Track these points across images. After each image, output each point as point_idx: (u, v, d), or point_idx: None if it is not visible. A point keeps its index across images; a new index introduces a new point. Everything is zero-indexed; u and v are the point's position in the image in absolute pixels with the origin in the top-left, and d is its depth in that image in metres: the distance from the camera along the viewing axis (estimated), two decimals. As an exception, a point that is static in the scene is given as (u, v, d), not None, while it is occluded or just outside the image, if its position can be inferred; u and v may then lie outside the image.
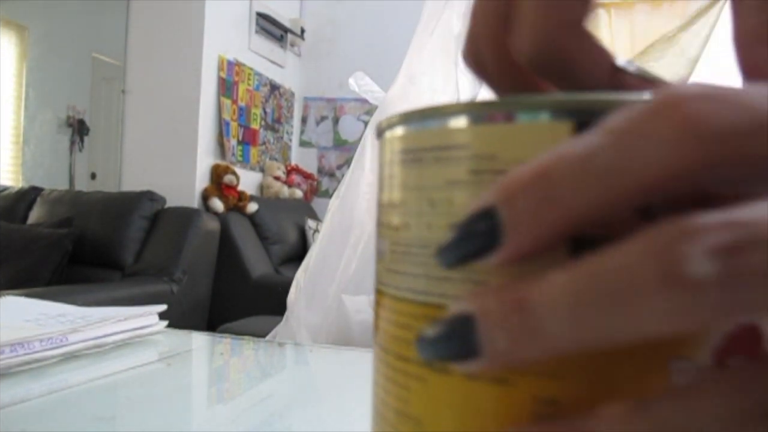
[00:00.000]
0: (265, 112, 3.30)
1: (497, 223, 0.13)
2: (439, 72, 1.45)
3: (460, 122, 0.15)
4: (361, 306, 1.20)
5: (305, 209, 3.24)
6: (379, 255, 0.17)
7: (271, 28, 3.25)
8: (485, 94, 0.23)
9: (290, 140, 3.60)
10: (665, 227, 0.11)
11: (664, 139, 0.11)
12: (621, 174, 0.12)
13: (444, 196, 0.15)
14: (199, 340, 0.66)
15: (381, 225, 0.17)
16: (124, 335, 0.56)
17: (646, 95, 0.13)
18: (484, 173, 0.14)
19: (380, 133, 0.18)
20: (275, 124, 3.42)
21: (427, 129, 0.16)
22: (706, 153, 0.11)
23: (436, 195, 0.15)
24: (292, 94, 3.58)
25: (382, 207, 0.17)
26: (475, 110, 0.15)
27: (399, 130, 0.17)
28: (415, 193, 0.16)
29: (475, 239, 0.13)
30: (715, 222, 0.11)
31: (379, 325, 0.17)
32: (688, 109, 0.11)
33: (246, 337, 0.67)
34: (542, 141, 0.14)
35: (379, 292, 0.17)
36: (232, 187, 2.80)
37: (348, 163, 2.16)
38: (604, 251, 0.12)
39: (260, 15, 3.12)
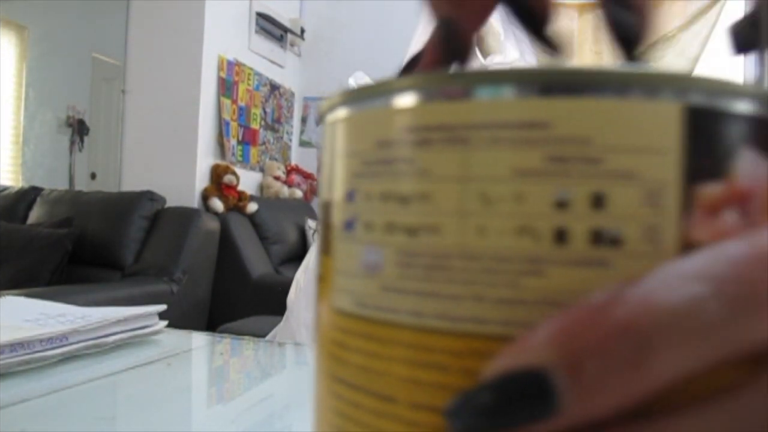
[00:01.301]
0: (265, 112, 3.30)
1: (550, 392, 0.10)
2: (439, 72, 1.45)
3: (538, 91, 0.11)
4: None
5: (305, 209, 3.24)
6: (368, 268, 0.13)
7: (271, 28, 3.25)
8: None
9: (290, 140, 3.60)
10: None
11: None
12: (735, 334, 0.10)
13: (507, 191, 0.11)
14: (199, 340, 0.66)
15: (367, 227, 0.13)
16: (124, 335, 0.55)
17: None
18: (571, 161, 0.11)
19: (351, 101, 0.14)
20: (275, 124, 3.42)
21: (478, 100, 0.11)
22: None
23: (493, 188, 0.11)
24: (292, 94, 3.58)
25: (368, 201, 0.13)
26: (556, 77, 0.11)
27: (410, 99, 0.12)
28: (451, 185, 0.11)
29: (513, 408, 0.10)
30: None
31: (365, 364, 0.13)
32: None
33: (246, 337, 0.67)
34: (647, 125, 0.11)
35: (363, 320, 0.13)
36: (232, 187, 2.80)
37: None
38: (705, 413, 0.10)
39: (260, 15, 3.12)
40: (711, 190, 0.11)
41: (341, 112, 0.14)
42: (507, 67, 0.12)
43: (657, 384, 0.10)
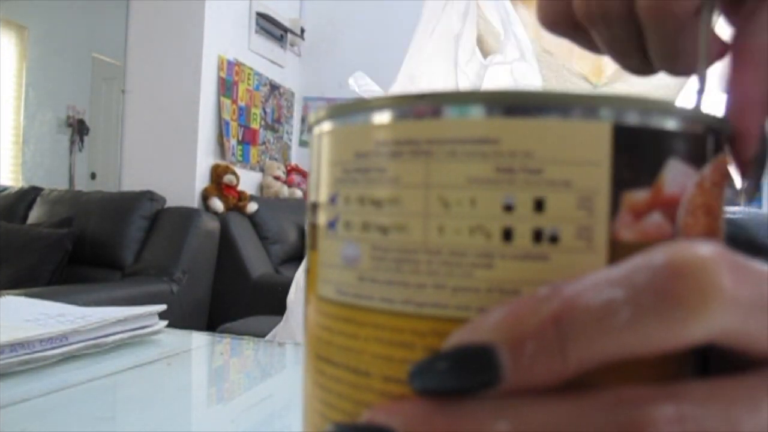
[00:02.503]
0: (265, 112, 3.30)
1: (495, 365, 0.12)
2: (439, 72, 1.45)
3: (488, 112, 0.13)
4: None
5: (305, 209, 3.23)
6: (347, 261, 0.14)
7: (271, 28, 3.25)
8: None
9: (290, 140, 3.60)
10: (627, 409, 0.11)
11: (689, 308, 0.11)
12: (641, 337, 0.11)
13: (463, 196, 0.13)
14: (199, 340, 0.66)
15: (347, 226, 0.15)
16: (124, 335, 0.56)
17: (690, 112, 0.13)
18: (516, 171, 0.13)
19: (335, 116, 0.15)
20: (275, 124, 3.42)
21: (440, 118, 0.13)
22: (728, 324, 0.11)
23: (451, 194, 0.13)
24: (292, 94, 3.58)
25: (347, 204, 0.15)
26: (502, 99, 0.13)
27: (384, 117, 0.14)
28: (417, 191, 0.13)
29: (464, 375, 0.12)
30: (671, 417, 0.11)
31: (345, 344, 0.15)
32: (713, 277, 0.11)
33: (246, 337, 0.67)
34: (581, 141, 0.13)
35: (344, 306, 0.15)
36: (231, 187, 2.80)
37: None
38: (554, 405, 0.12)
39: (260, 15, 3.12)
40: (636, 196, 0.13)
41: (326, 126, 0.16)
42: (461, 90, 0.14)
43: (575, 369, 0.12)
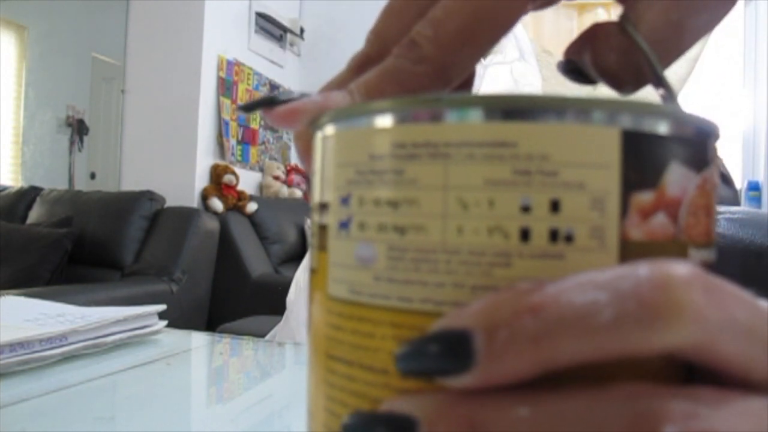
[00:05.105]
0: (265, 112, 3.30)
1: (471, 350, 0.12)
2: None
3: (506, 116, 0.13)
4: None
5: (305, 209, 3.24)
6: (361, 261, 0.15)
7: (270, 27, 3.25)
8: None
9: (290, 140, 3.60)
10: (644, 401, 0.12)
11: (665, 318, 0.12)
12: (619, 340, 0.12)
13: (481, 197, 0.13)
14: (198, 339, 0.66)
15: (361, 226, 0.15)
16: (124, 335, 0.56)
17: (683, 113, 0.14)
18: (533, 174, 0.13)
19: (350, 118, 0.16)
20: (275, 123, 3.42)
21: (458, 122, 0.14)
22: (698, 337, 0.12)
23: (469, 195, 0.13)
24: (292, 94, 3.58)
25: (361, 205, 0.15)
26: (520, 104, 0.13)
27: (390, 119, 0.14)
28: (435, 192, 0.14)
29: (438, 358, 0.12)
30: (686, 412, 0.12)
31: (360, 343, 0.15)
32: (688, 294, 0.12)
33: (246, 337, 0.67)
34: (594, 144, 0.13)
35: (358, 305, 0.15)
36: (231, 187, 2.80)
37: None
38: (572, 394, 0.12)
39: (260, 15, 3.12)
40: (643, 198, 0.14)
41: (330, 129, 0.16)
42: (479, 93, 0.14)
43: (551, 363, 0.12)
